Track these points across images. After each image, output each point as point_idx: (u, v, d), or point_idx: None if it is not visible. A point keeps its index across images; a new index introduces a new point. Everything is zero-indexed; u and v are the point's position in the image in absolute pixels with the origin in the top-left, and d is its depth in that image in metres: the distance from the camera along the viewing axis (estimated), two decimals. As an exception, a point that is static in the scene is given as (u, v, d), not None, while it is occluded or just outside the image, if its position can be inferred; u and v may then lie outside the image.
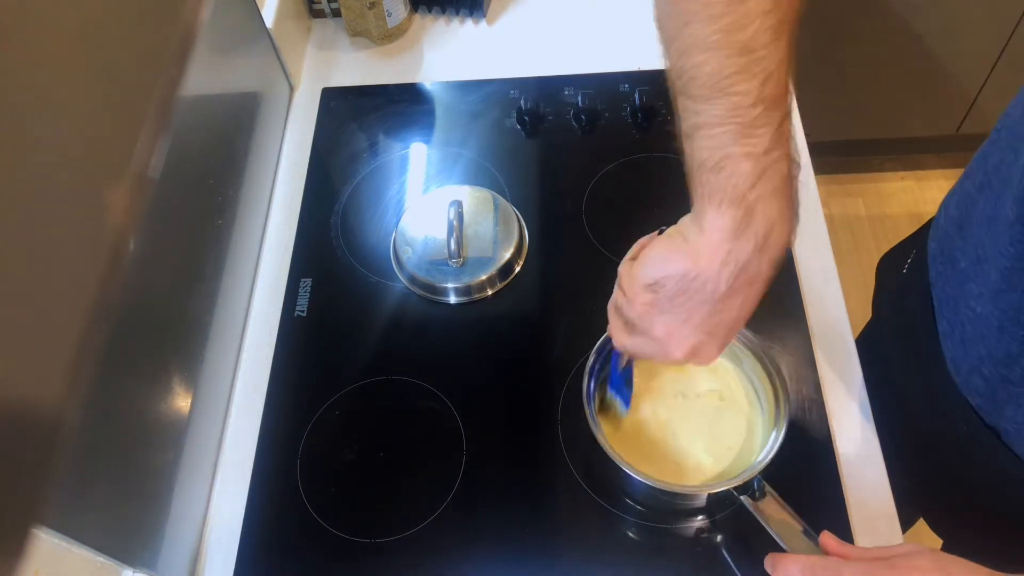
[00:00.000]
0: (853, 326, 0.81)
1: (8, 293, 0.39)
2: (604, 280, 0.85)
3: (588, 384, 0.68)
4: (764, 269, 0.51)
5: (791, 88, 0.50)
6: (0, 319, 0.39)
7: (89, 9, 0.48)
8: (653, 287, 0.54)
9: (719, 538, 0.70)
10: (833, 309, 0.82)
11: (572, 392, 0.78)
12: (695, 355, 0.56)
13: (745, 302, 0.53)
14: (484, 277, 0.84)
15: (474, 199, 0.89)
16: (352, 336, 0.84)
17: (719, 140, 0.49)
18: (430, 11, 1.11)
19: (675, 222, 0.56)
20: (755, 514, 0.62)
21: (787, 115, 0.50)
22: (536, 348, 0.82)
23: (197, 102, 0.79)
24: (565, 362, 0.79)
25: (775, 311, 0.80)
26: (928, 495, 0.82)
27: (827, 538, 0.57)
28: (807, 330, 0.80)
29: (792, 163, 0.50)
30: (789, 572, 0.54)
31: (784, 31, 0.48)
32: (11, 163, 0.41)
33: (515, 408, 0.79)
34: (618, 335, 0.60)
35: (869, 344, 0.83)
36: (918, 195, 1.95)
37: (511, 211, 0.88)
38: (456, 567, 0.71)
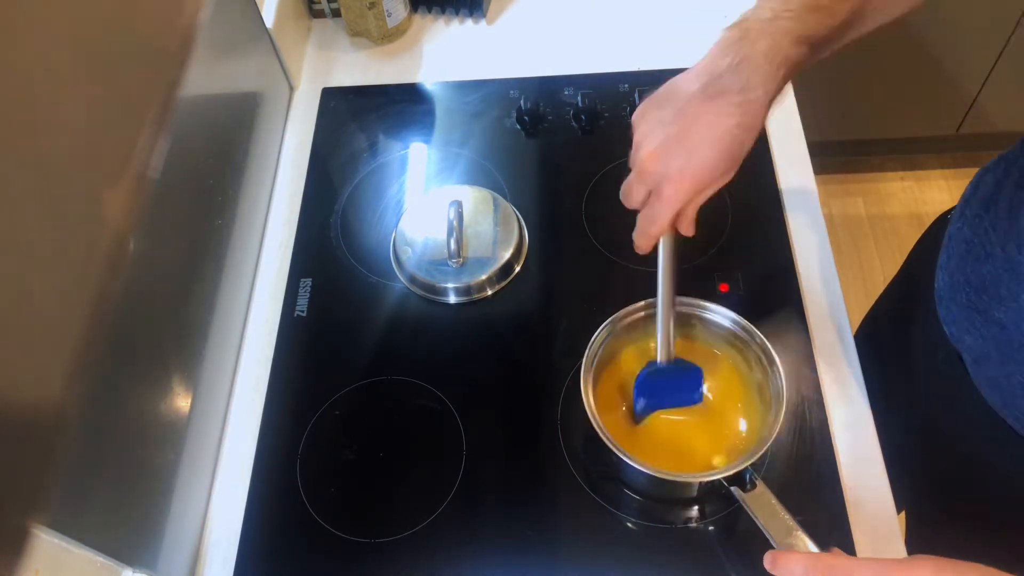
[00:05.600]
0: (853, 326, 0.81)
1: (8, 293, 0.39)
2: (604, 280, 0.85)
3: (586, 375, 0.68)
4: (734, 88, 0.56)
5: (849, 3, 0.57)
6: (0, 319, 0.39)
7: (89, 9, 0.48)
8: (651, 95, 0.61)
9: (717, 538, 0.70)
10: (833, 309, 0.82)
11: (572, 392, 0.78)
12: (660, 168, 0.58)
13: (711, 113, 0.56)
14: (484, 277, 0.84)
15: (474, 199, 0.89)
16: (352, 336, 0.84)
17: None
18: (430, 11, 1.11)
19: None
20: (744, 506, 0.62)
21: (826, 9, 0.57)
22: (536, 348, 0.82)
23: (197, 102, 0.79)
24: (565, 362, 0.79)
25: (775, 311, 0.81)
26: (908, 450, 0.84)
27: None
28: (807, 330, 0.80)
29: (807, 35, 0.56)
30: (792, 571, 0.52)
31: None
32: (11, 163, 0.41)
33: (515, 408, 0.79)
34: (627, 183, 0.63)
35: (886, 302, 0.91)
36: (918, 195, 1.95)
37: (511, 211, 0.88)
38: (456, 567, 0.71)
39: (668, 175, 0.58)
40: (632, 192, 0.61)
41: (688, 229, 0.62)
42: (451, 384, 0.79)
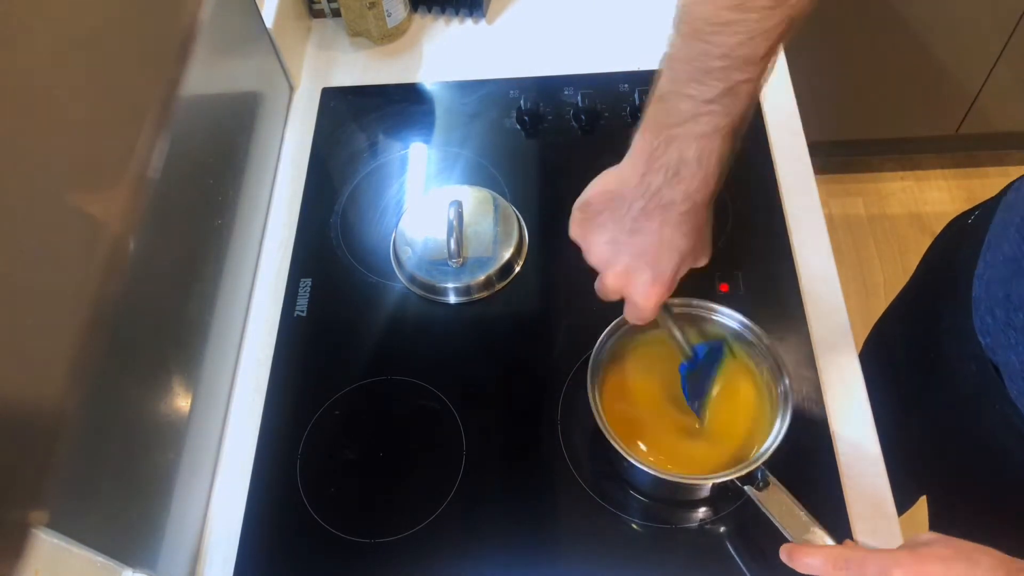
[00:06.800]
0: (853, 325, 0.81)
1: (9, 293, 0.39)
2: (604, 280, 0.85)
3: (592, 373, 0.68)
4: (677, 199, 0.54)
5: (769, 63, 0.52)
6: (1, 319, 0.39)
7: (90, 10, 0.48)
8: (583, 208, 0.60)
9: (720, 539, 0.70)
10: (833, 309, 0.82)
11: (572, 392, 0.78)
12: (629, 285, 0.59)
13: (664, 225, 0.55)
14: (484, 277, 0.84)
15: (474, 199, 0.89)
16: (352, 336, 0.84)
17: (676, 75, 0.52)
18: (430, 11, 1.11)
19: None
20: (759, 504, 0.62)
21: (751, 82, 0.52)
22: (536, 348, 0.82)
23: (197, 102, 0.79)
24: (565, 362, 0.79)
25: (775, 311, 0.81)
26: (932, 452, 0.84)
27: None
28: (807, 330, 0.80)
29: (733, 127, 0.53)
30: (811, 564, 0.54)
31: (784, 4, 0.50)
32: (12, 163, 0.41)
33: (515, 408, 0.79)
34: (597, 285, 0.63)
35: (904, 303, 0.90)
36: (918, 195, 1.95)
37: (511, 211, 0.88)
38: (456, 567, 0.71)
39: (640, 289, 0.59)
40: (609, 295, 0.63)
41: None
42: (451, 384, 0.79)
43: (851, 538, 0.68)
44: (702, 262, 0.60)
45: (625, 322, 0.72)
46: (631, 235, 0.57)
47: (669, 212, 0.55)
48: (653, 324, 0.73)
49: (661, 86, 0.54)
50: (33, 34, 0.43)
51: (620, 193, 0.57)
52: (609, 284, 0.60)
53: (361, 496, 0.75)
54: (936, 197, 1.94)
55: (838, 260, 0.85)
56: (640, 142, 0.55)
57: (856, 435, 0.74)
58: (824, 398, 0.76)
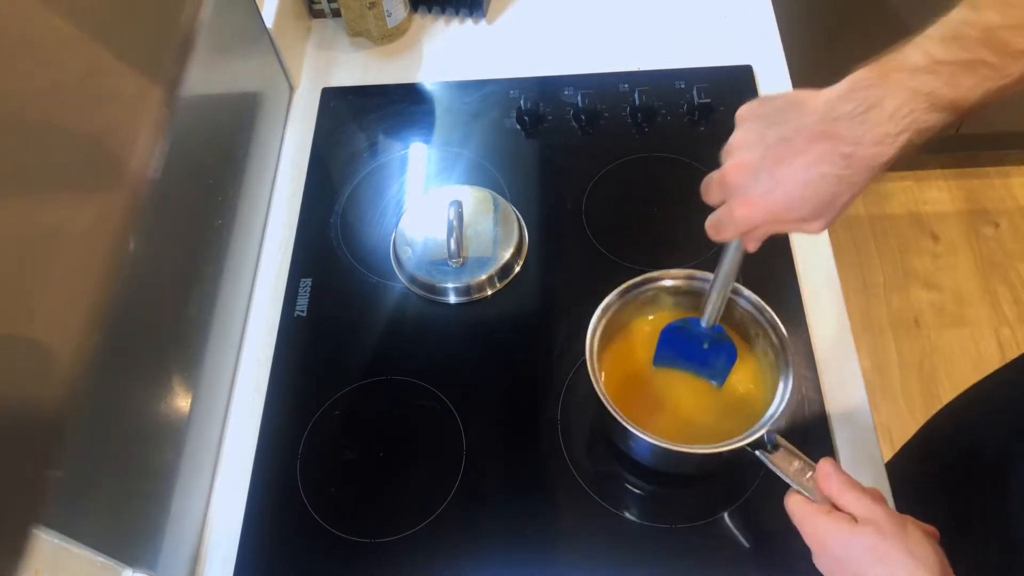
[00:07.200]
0: (853, 326, 0.81)
1: (9, 293, 0.39)
2: (604, 280, 0.85)
3: (591, 347, 0.69)
4: (847, 138, 0.50)
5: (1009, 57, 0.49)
6: (1, 319, 0.39)
7: (90, 10, 0.48)
8: (763, 98, 0.56)
9: (719, 538, 0.70)
10: (833, 309, 0.82)
11: (572, 391, 0.78)
12: (741, 185, 0.54)
13: (817, 152, 0.51)
14: (484, 277, 0.84)
15: (474, 199, 0.89)
16: (352, 336, 0.84)
17: (929, 30, 0.51)
18: (430, 11, 1.11)
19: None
20: (771, 467, 0.62)
21: (992, 71, 0.49)
22: (536, 348, 0.82)
23: (197, 102, 0.79)
24: (565, 361, 0.79)
25: (775, 311, 0.80)
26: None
27: (823, 463, 0.59)
28: (807, 330, 0.80)
29: (947, 104, 0.50)
30: (787, 504, 0.59)
31: None
32: (12, 163, 0.41)
33: (515, 408, 0.79)
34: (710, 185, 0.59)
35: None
36: (918, 195, 1.95)
37: (511, 211, 0.88)
38: (456, 567, 0.71)
39: (746, 196, 0.54)
40: (710, 191, 0.58)
41: (752, 246, 0.58)
42: (451, 384, 0.79)
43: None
44: (811, 226, 0.54)
45: (618, 298, 0.72)
46: (782, 141, 0.52)
47: (828, 144, 0.50)
48: (661, 296, 0.73)
49: (915, 36, 0.51)
50: (33, 34, 0.43)
51: (804, 101, 0.52)
52: (725, 172, 0.55)
53: (361, 496, 0.75)
54: (936, 197, 1.94)
55: (838, 260, 0.85)
56: (856, 71, 0.52)
57: (856, 435, 0.74)
58: (824, 398, 0.76)
